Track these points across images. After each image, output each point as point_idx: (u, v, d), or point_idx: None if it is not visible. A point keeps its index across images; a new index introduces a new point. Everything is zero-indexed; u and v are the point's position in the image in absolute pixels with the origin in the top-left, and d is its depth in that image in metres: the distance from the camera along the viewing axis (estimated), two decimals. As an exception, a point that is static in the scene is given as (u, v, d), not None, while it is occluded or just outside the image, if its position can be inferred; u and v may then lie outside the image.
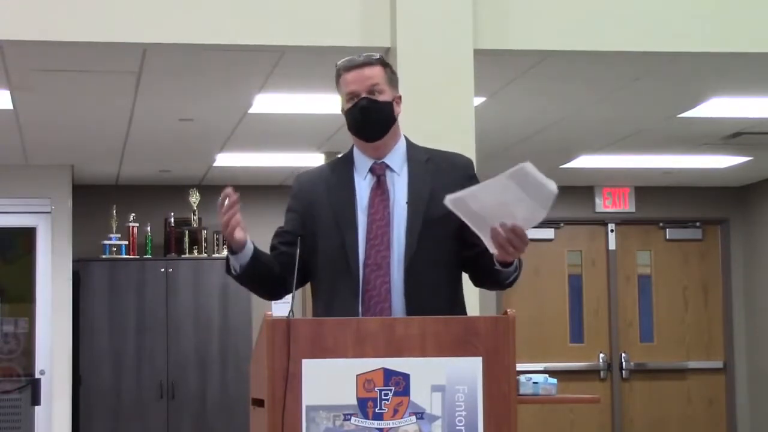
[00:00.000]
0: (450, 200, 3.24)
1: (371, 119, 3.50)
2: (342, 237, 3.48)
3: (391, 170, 3.55)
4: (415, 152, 3.61)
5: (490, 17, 5.39)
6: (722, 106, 7.32)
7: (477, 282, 3.64)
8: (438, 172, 3.55)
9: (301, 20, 5.34)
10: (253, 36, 5.36)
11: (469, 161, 3.66)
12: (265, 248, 3.56)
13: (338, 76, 3.54)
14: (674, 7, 5.58)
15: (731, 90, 6.93)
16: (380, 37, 5.31)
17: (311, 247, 3.51)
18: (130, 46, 5.42)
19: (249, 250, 3.46)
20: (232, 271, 3.50)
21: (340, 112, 3.59)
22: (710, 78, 6.61)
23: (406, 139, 3.63)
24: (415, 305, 3.42)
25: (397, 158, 3.57)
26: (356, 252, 3.47)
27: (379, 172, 3.54)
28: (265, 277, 3.54)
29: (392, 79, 3.56)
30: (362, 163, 3.57)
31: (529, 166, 3.12)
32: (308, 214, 3.55)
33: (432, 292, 3.46)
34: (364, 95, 3.49)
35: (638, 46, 5.60)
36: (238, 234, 3.40)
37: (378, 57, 3.55)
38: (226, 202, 3.35)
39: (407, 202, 3.50)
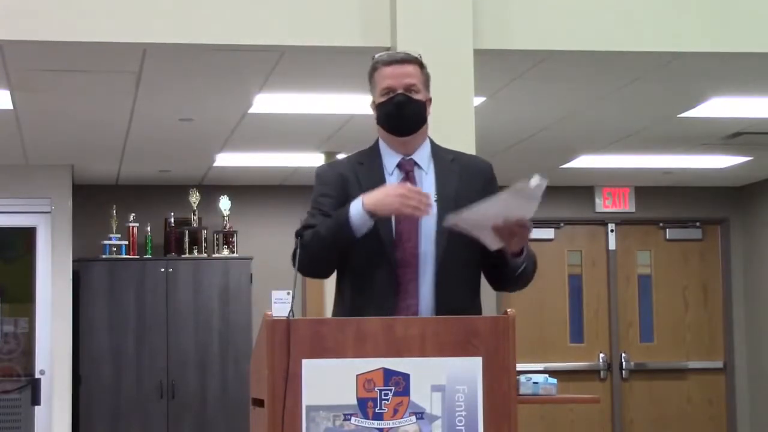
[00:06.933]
0: (450, 221, 3.34)
1: (405, 115, 3.53)
2: (376, 232, 3.47)
3: (419, 167, 3.58)
4: (440, 152, 3.64)
5: (490, 17, 5.38)
6: (722, 106, 7.31)
7: (495, 283, 3.68)
8: (463, 172, 3.59)
9: (301, 20, 5.34)
10: (253, 36, 5.35)
11: (489, 165, 3.68)
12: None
13: (374, 69, 3.57)
14: (674, 7, 5.58)
15: (731, 90, 6.93)
16: (380, 37, 5.30)
17: None
18: (130, 46, 5.41)
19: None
20: (354, 233, 3.42)
21: (369, 108, 3.61)
22: (710, 78, 6.60)
23: (431, 140, 3.66)
24: (442, 303, 3.44)
25: (423, 156, 3.60)
26: (388, 248, 3.46)
27: (408, 168, 3.57)
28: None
29: (427, 82, 3.60)
30: (389, 158, 3.59)
31: (520, 184, 3.23)
32: (344, 203, 3.49)
33: (459, 290, 3.50)
34: (400, 91, 3.51)
35: (638, 46, 5.60)
36: None
37: (417, 56, 3.58)
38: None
39: (436, 200, 3.50)
